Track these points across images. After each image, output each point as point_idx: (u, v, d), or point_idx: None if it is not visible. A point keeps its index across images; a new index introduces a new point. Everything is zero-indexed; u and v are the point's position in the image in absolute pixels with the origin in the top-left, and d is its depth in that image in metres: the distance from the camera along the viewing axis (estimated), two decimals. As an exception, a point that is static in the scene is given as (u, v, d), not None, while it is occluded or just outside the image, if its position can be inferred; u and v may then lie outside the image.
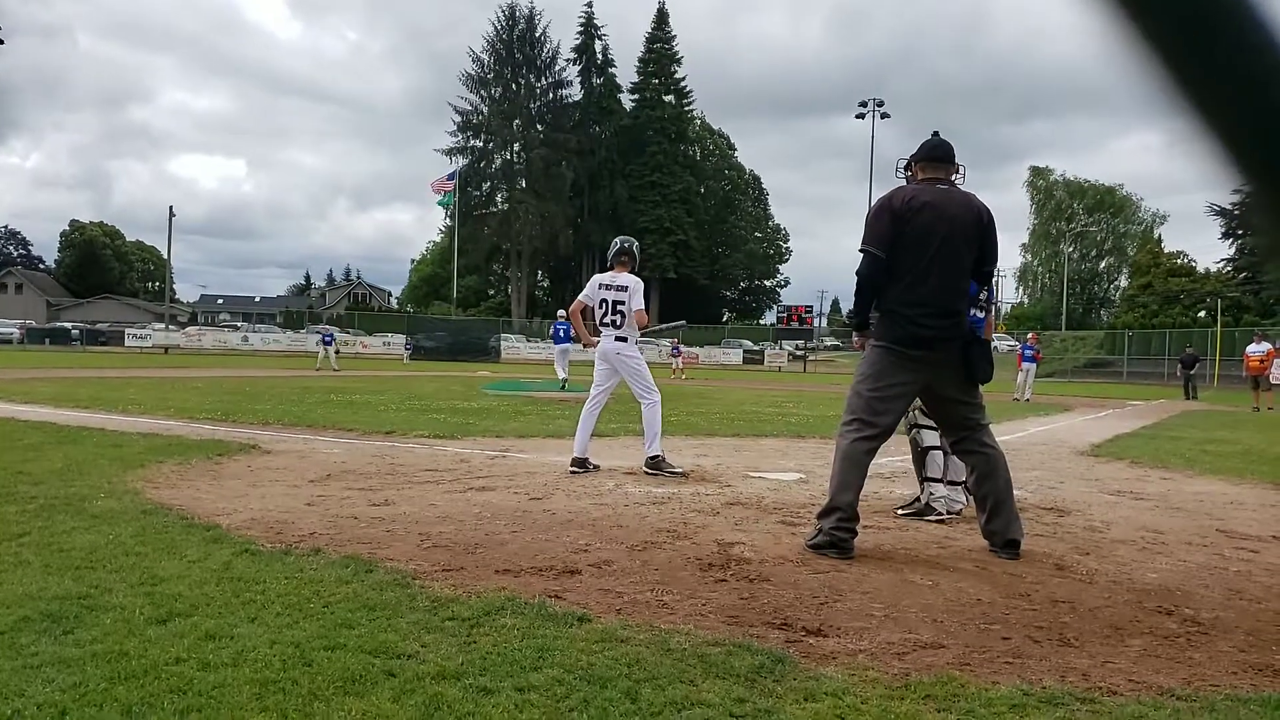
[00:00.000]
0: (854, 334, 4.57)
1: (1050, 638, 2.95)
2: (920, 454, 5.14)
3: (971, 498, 4.62)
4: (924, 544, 4.40)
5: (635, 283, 6.54)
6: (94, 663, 2.42)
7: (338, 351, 28.11)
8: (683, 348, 37.35)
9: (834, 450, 4.22)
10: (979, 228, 4.18)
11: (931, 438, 5.07)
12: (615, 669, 2.49)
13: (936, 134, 4.43)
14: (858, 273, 4.22)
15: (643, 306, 6.55)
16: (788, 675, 2.52)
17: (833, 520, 4.01)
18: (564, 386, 18.39)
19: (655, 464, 6.34)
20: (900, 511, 5.12)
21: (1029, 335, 24.10)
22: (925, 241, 4.08)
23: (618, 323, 6.51)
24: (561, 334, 19.69)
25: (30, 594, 3.01)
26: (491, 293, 77.14)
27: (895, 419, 4.33)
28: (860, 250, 4.20)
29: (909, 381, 4.22)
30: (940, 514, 4.98)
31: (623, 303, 6.49)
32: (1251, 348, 20.95)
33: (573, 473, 6.27)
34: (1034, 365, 21.61)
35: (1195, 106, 0.55)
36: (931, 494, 5.04)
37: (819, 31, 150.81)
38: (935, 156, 4.31)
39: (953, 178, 4.32)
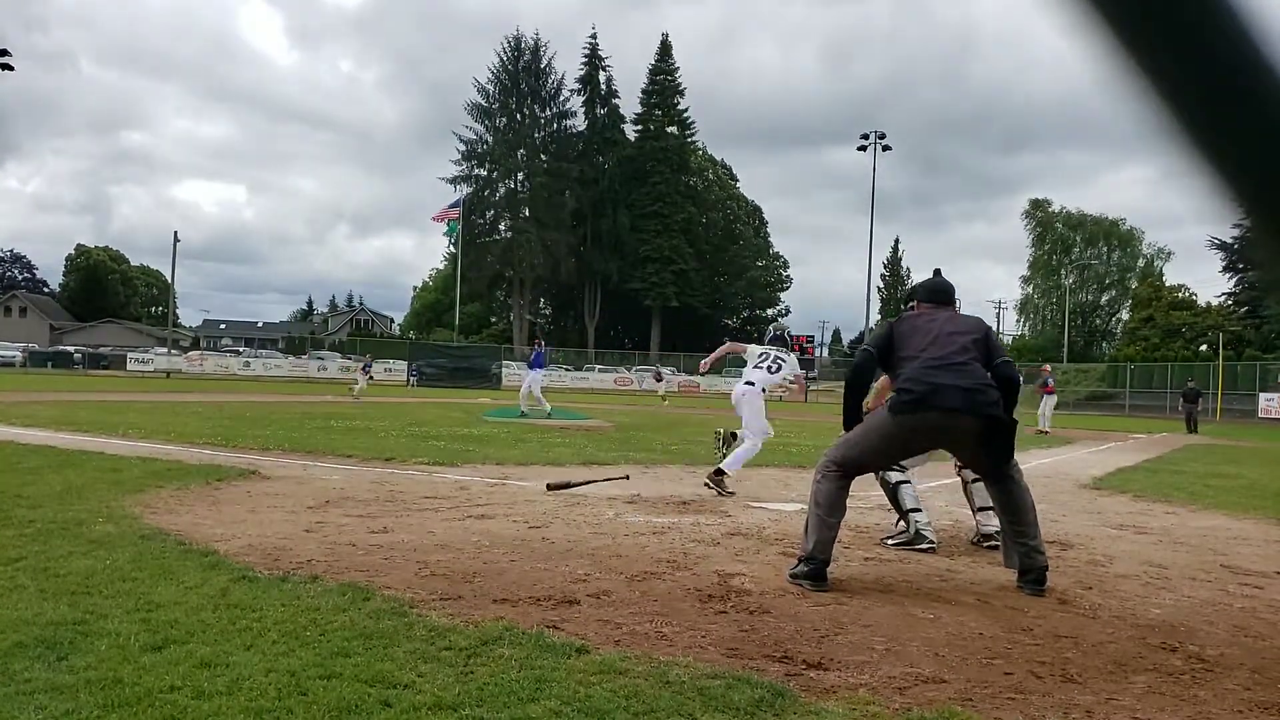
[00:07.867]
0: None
1: (1053, 673, 2.92)
2: (892, 491, 5.18)
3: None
4: (925, 577, 4.37)
5: (793, 357, 7.80)
6: (87, 690, 2.40)
7: (371, 379, 28.68)
8: (664, 372, 42.37)
9: (811, 487, 4.26)
10: (982, 333, 4.30)
11: (897, 474, 5.15)
12: (614, 701, 2.47)
13: (938, 271, 4.56)
14: (851, 366, 4.46)
15: (801, 373, 8.03)
16: (788, 709, 2.49)
17: (813, 553, 4.04)
18: (521, 413, 18.55)
19: (718, 478, 7.09)
20: (890, 542, 5.10)
21: (1044, 366, 24.38)
22: (928, 329, 4.23)
23: (771, 369, 7.53)
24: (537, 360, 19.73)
25: (25, 619, 2.99)
26: (494, 320, 77.26)
27: (877, 468, 4.66)
28: (860, 350, 4.43)
29: (912, 448, 4.32)
30: (930, 541, 4.99)
31: (784, 360, 7.56)
32: None
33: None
34: (1052, 397, 22.00)
35: (1193, 139, 0.55)
36: (917, 523, 5.05)
37: (810, 64, 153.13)
38: (937, 299, 4.47)
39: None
